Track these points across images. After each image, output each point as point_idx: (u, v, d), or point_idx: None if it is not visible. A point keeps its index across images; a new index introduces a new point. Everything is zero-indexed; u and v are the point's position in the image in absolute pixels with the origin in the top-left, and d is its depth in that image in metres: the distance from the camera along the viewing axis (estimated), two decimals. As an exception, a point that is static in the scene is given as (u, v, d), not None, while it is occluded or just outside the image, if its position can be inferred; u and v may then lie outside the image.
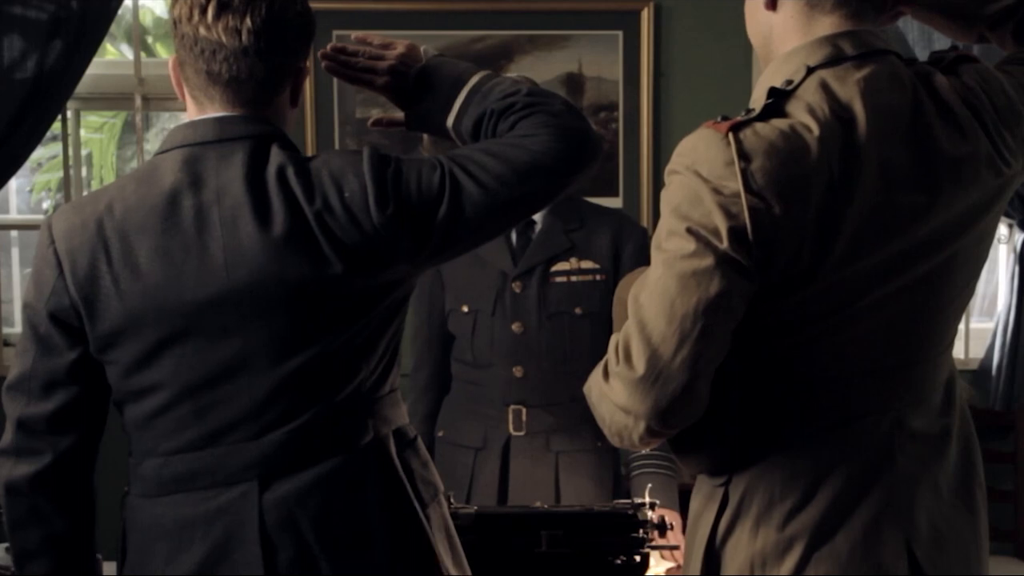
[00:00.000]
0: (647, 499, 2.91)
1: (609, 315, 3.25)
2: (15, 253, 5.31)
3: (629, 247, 3.54)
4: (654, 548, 2.84)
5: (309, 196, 2.16)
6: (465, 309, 3.52)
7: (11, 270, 5.30)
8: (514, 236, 3.53)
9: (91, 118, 5.86)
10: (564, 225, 3.52)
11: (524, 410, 3.47)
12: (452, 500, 2.80)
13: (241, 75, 2.25)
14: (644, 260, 3.44)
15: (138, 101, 5.10)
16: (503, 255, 3.50)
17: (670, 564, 3.24)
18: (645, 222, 5.09)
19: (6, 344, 5.20)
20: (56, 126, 5.03)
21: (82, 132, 5.39)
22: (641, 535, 2.81)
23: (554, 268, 3.49)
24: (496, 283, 3.50)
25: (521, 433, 3.47)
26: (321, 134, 5.05)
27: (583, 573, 2.78)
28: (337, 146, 5.03)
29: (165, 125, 5.82)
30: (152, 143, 5.90)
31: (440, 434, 3.61)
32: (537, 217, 3.51)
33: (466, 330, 3.52)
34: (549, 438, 3.49)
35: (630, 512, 2.85)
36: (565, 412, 3.50)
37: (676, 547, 2.90)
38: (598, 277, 3.51)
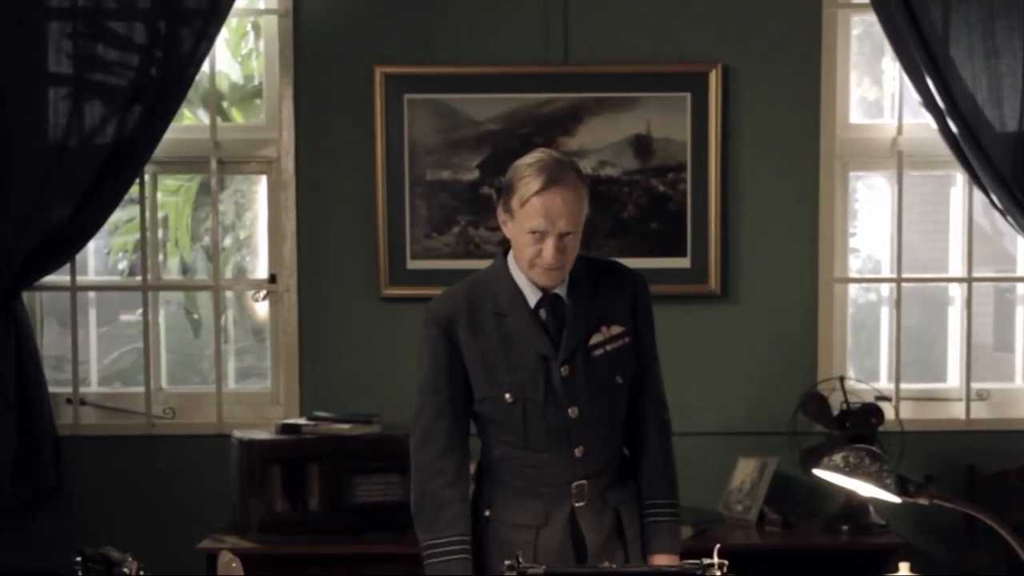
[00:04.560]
0: (716, 559, 2.90)
1: (638, 375, 3.38)
2: (92, 314, 5.38)
3: (640, 301, 3.58)
4: (723, 608, 2.84)
5: None
6: (508, 397, 3.43)
7: (88, 330, 5.37)
8: (543, 314, 3.44)
9: (167, 181, 5.95)
10: (586, 292, 3.49)
11: (586, 483, 3.47)
12: (520, 560, 2.81)
13: None
14: (649, 315, 3.58)
15: (213, 164, 5.18)
16: (539, 338, 3.43)
17: (740, 624, 3.23)
18: (713, 283, 5.10)
19: (83, 403, 5.27)
20: (134, 190, 5.12)
21: (159, 195, 5.47)
22: (709, 595, 2.81)
23: (591, 342, 3.46)
24: (540, 368, 3.42)
25: (583, 503, 3.47)
26: (392, 195, 5.10)
27: (651, 633, 2.79)
28: (407, 207, 5.08)
29: (239, 187, 5.90)
30: (226, 204, 5.98)
31: (489, 514, 3.53)
32: (560, 290, 3.46)
33: (514, 419, 3.45)
34: (604, 496, 3.50)
35: (699, 573, 2.84)
36: (613, 468, 3.54)
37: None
38: (626, 339, 3.52)
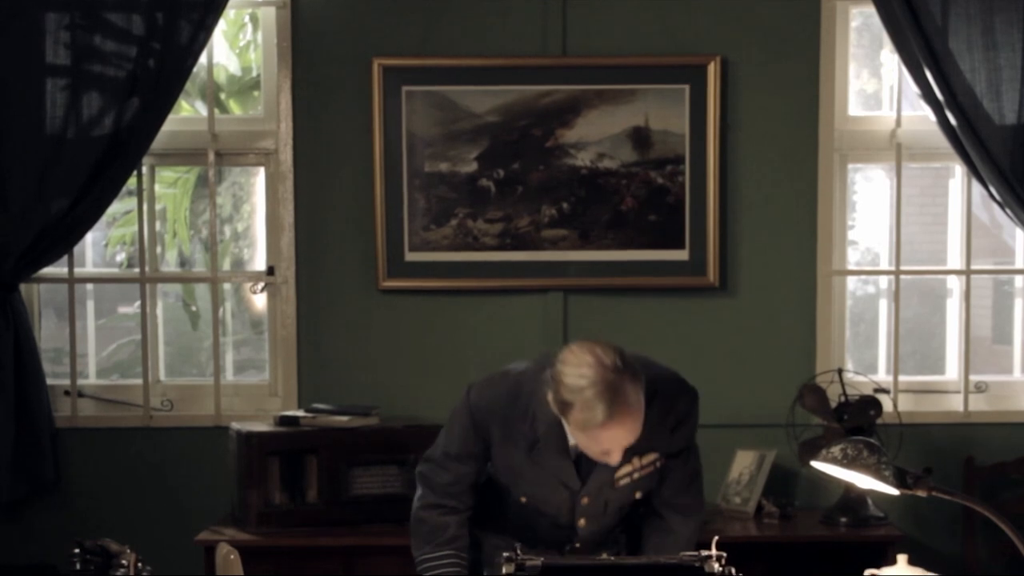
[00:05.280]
0: (714, 551, 2.90)
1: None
2: (90, 306, 5.38)
3: (683, 427, 3.45)
4: (721, 600, 2.83)
5: None
6: (524, 500, 3.48)
7: (86, 322, 5.36)
8: (575, 450, 3.34)
9: (165, 173, 5.94)
10: None
11: (579, 544, 3.52)
12: (519, 552, 2.81)
13: None
14: (692, 432, 3.47)
15: (211, 156, 5.18)
16: (568, 472, 3.39)
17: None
18: (712, 275, 5.09)
19: (80, 395, 5.27)
20: (131, 181, 5.11)
21: (157, 187, 5.47)
22: (707, 587, 2.80)
23: (619, 474, 3.40)
24: (561, 492, 3.42)
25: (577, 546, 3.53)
26: (390, 188, 5.10)
27: (650, 625, 2.78)
28: (405, 199, 5.08)
29: (237, 179, 5.90)
30: (224, 197, 5.98)
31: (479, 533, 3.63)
32: None
33: (524, 511, 3.51)
34: (599, 548, 3.55)
35: (697, 565, 2.84)
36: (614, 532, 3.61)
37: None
38: (658, 464, 3.45)
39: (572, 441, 3.30)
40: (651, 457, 3.40)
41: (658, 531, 3.53)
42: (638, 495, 3.45)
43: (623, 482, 3.41)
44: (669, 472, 3.47)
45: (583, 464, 3.38)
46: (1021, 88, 4.91)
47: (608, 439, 3.13)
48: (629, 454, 3.27)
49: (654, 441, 3.34)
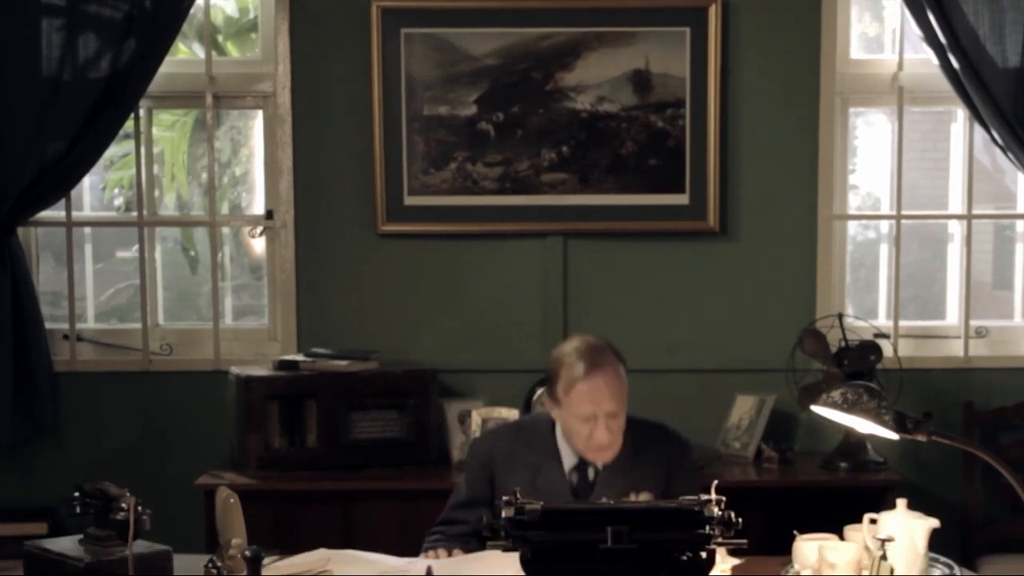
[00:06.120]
0: (714, 495, 2.89)
1: None
2: (88, 249, 5.36)
3: (678, 471, 3.69)
4: (720, 545, 2.82)
5: None
6: None
7: (84, 266, 5.34)
8: (575, 478, 3.66)
9: (163, 116, 5.90)
10: (621, 464, 3.61)
11: None
12: (519, 496, 2.81)
13: None
14: (691, 477, 3.65)
15: (209, 99, 5.15)
16: (566, 499, 3.60)
17: (736, 561, 3.24)
18: (712, 220, 5.07)
19: (79, 339, 5.26)
20: (129, 124, 5.09)
21: (154, 130, 5.44)
22: (707, 531, 2.79)
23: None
24: None
25: None
26: (388, 131, 5.07)
27: (649, 569, 2.77)
28: (404, 142, 5.05)
29: (235, 123, 5.86)
30: (222, 141, 5.94)
31: None
32: None
33: None
34: None
35: (696, 508, 2.83)
36: None
37: (744, 543, 2.88)
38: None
39: (568, 466, 3.65)
40: (646, 496, 3.55)
41: None
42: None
43: None
44: None
45: (580, 492, 3.63)
46: (1025, 30, 4.88)
47: (590, 397, 3.49)
48: (624, 488, 3.54)
49: (648, 479, 3.60)
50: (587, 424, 3.51)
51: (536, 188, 5.08)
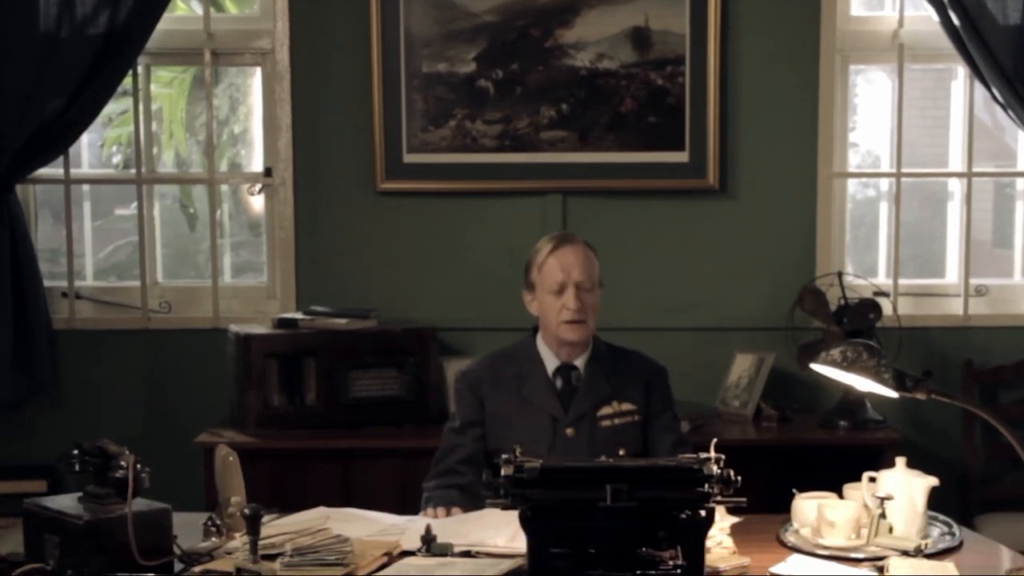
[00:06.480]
0: (713, 454, 2.89)
1: (643, 453, 3.68)
2: (86, 207, 5.35)
3: (657, 392, 3.87)
4: (719, 503, 2.82)
5: None
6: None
7: (83, 223, 5.33)
8: (559, 382, 3.80)
9: (161, 73, 5.86)
10: (602, 370, 3.78)
11: None
12: (519, 454, 2.81)
13: None
14: (668, 399, 3.84)
15: (207, 56, 5.13)
16: (551, 401, 3.78)
17: (735, 520, 3.24)
18: (712, 177, 5.06)
19: (78, 297, 5.26)
20: (127, 81, 5.07)
21: (152, 87, 5.41)
22: (706, 490, 2.79)
23: (600, 412, 3.78)
24: (548, 427, 3.76)
25: None
26: (387, 88, 5.05)
27: (647, 527, 2.77)
28: (403, 99, 5.03)
29: (234, 80, 5.83)
30: (220, 99, 5.91)
31: None
32: (578, 362, 3.81)
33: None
34: None
35: (695, 467, 2.83)
36: None
37: (743, 502, 2.87)
38: (636, 418, 3.83)
39: (551, 368, 3.81)
40: (628, 407, 3.80)
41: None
42: (622, 452, 3.45)
43: (604, 423, 3.76)
44: (656, 440, 3.85)
45: (564, 396, 3.78)
46: (1026, -13, 4.85)
47: (560, 265, 3.71)
48: (607, 394, 3.78)
49: (629, 392, 3.81)
50: (559, 298, 3.70)
51: (535, 146, 5.06)
